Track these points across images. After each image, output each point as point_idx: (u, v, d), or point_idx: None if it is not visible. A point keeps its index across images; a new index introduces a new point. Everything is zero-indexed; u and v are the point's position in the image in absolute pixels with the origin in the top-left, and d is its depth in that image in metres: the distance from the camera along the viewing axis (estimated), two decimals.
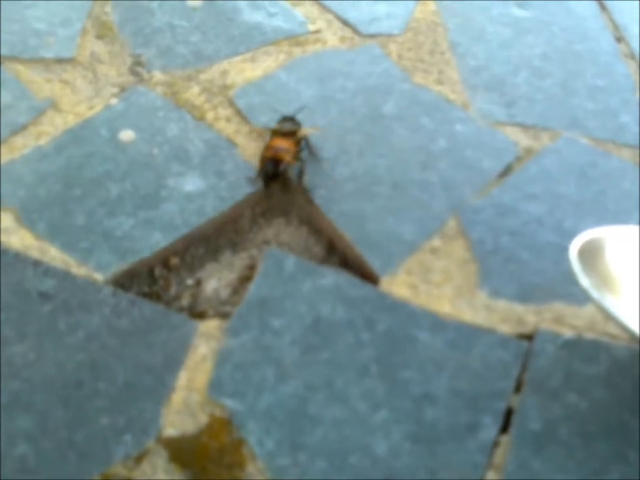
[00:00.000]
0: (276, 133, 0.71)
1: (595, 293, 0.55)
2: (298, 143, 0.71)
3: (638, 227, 0.60)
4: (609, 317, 0.55)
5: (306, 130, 0.73)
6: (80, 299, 0.63)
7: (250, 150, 0.73)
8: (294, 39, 0.85)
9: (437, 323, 0.62)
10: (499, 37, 0.87)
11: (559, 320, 0.62)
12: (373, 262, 0.66)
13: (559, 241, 0.67)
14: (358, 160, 0.73)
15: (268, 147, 0.70)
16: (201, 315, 0.63)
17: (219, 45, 0.84)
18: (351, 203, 0.70)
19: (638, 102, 0.80)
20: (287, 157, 0.69)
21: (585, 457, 0.55)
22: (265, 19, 0.87)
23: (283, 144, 0.70)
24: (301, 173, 0.71)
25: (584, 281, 0.55)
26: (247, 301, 0.63)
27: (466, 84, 0.81)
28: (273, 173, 0.70)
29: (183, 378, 0.58)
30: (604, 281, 0.56)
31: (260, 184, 0.70)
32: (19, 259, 0.65)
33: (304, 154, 0.72)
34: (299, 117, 0.73)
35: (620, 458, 0.55)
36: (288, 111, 0.74)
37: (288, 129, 0.71)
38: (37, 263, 0.65)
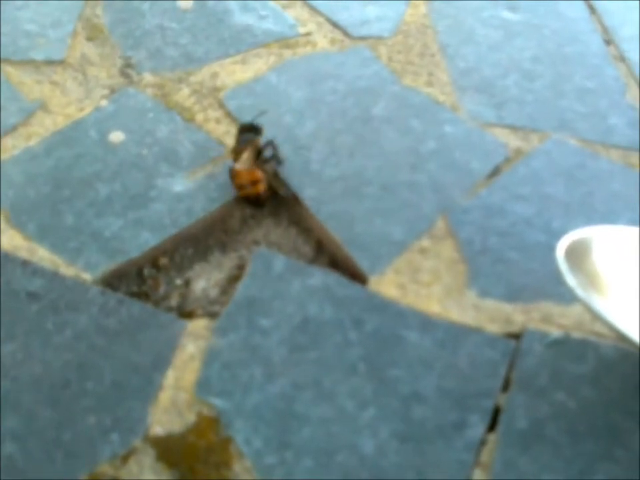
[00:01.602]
0: (236, 153, 0.70)
1: (581, 293, 0.55)
2: (259, 152, 0.70)
3: (625, 227, 0.60)
4: (595, 316, 0.55)
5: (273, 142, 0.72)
6: (68, 299, 0.63)
7: None
8: (284, 41, 0.85)
9: (426, 323, 0.62)
10: (489, 40, 0.87)
11: (546, 319, 0.62)
12: (362, 262, 0.66)
13: (547, 241, 0.67)
14: (347, 161, 0.73)
15: (237, 183, 0.69)
16: (189, 315, 0.63)
17: (209, 47, 0.84)
18: (340, 203, 0.70)
19: (627, 104, 0.80)
20: (258, 189, 0.68)
21: (572, 455, 0.55)
22: (255, 21, 0.87)
23: (247, 174, 0.68)
24: (272, 185, 0.70)
25: (570, 280, 0.55)
26: (236, 300, 0.63)
27: (455, 86, 0.81)
28: (254, 205, 0.70)
29: (170, 377, 0.58)
30: (590, 280, 0.56)
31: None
32: (7, 259, 0.65)
33: (270, 164, 0.71)
34: (259, 121, 0.72)
35: (607, 457, 0.55)
36: (268, 111, 0.74)
37: (244, 146, 0.69)
38: (25, 263, 0.65)
